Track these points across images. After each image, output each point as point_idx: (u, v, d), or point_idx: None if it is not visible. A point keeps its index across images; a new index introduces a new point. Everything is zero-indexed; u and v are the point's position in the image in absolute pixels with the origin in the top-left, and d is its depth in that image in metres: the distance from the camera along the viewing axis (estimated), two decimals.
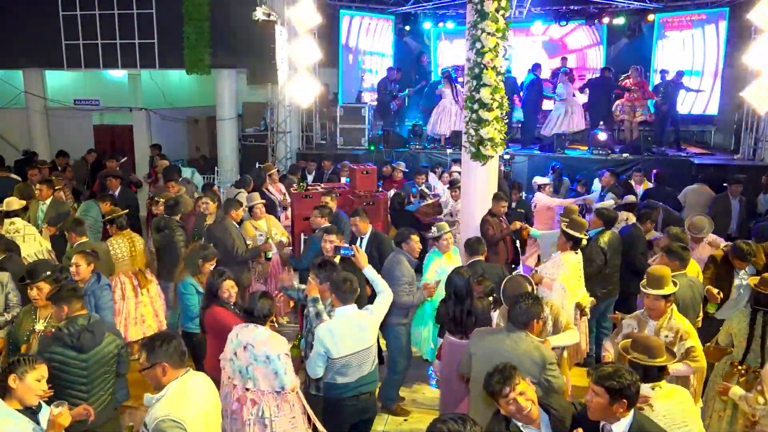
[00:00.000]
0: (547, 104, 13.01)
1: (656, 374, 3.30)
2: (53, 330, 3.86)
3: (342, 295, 4.01)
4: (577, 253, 5.59)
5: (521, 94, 12.40)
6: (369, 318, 4.10)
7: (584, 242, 5.69)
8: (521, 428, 2.96)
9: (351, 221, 6.22)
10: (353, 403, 4.06)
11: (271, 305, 3.95)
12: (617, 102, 12.24)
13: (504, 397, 2.92)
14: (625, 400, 2.81)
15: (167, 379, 3.08)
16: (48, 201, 7.30)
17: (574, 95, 12.58)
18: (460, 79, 12.45)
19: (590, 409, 2.90)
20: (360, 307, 4.16)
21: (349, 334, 3.96)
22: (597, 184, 9.59)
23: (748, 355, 4.28)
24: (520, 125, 12.82)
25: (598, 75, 13.14)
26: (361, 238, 6.07)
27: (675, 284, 4.20)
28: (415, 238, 5.45)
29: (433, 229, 5.88)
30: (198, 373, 3.30)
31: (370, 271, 4.41)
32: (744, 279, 5.32)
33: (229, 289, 4.46)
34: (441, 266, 5.70)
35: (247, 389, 3.89)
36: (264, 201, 7.31)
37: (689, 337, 4.04)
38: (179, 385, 3.09)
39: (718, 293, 5.12)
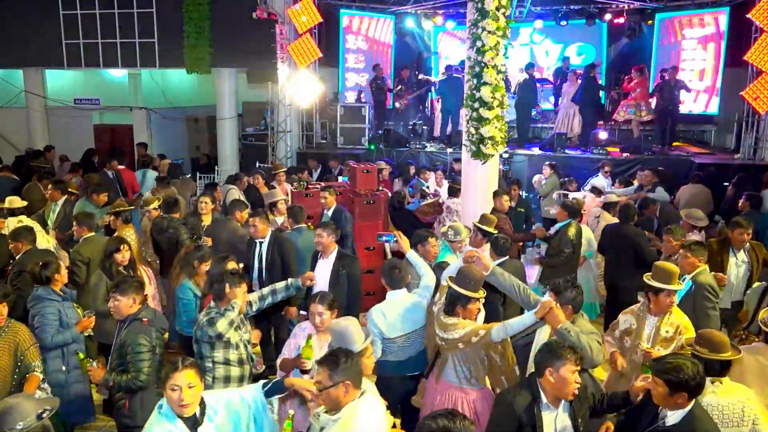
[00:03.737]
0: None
1: (718, 369, 3.31)
2: (146, 319, 3.89)
3: (391, 281, 4.24)
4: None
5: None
6: (419, 301, 4.26)
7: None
8: (542, 406, 3.08)
9: (321, 195, 6.88)
10: (400, 383, 4.23)
11: None
12: (622, 102, 12.24)
13: (576, 367, 3.04)
14: (684, 393, 2.93)
15: (347, 400, 2.88)
16: (60, 202, 7.32)
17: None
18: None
19: (654, 396, 3.05)
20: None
21: (400, 315, 4.16)
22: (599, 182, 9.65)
23: (752, 324, 4.74)
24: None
25: (585, 73, 13.04)
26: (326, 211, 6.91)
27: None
28: (433, 241, 5.22)
29: (451, 231, 5.69)
30: (372, 390, 3.15)
31: (413, 256, 4.57)
32: (743, 263, 5.61)
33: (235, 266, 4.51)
34: (453, 263, 5.64)
35: None
36: (281, 198, 7.29)
37: (687, 332, 4.05)
38: (356, 407, 2.87)
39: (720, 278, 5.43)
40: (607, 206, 7.68)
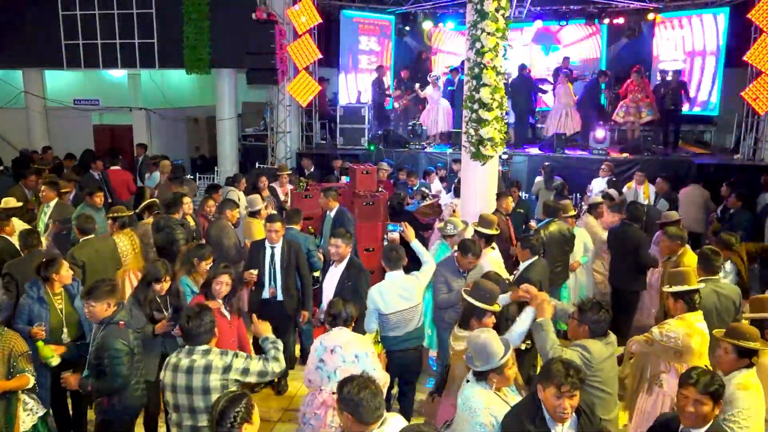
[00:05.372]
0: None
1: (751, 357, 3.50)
2: (123, 322, 3.90)
3: (389, 262, 4.67)
4: (493, 248, 5.76)
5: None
6: (414, 281, 4.72)
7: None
8: (547, 421, 2.95)
9: (320, 200, 7.00)
10: (399, 356, 4.63)
11: (353, 311, 4.06)
12: (621, 103, 12.23)
13: (560, 393, 2.88)
14: (720, 401, 3.05)
15: (357, 430, 2.71)
16: (52, 204, 7.14)
17: (573, 96, 12.59)
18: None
19: (694, 416, 3.00)
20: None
21: (397, 293, 4.60)
22: (597, 184, 9.64)
23: None
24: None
25: (593, 77, 13.06)
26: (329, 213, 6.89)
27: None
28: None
29: (449, 226, 5.80)
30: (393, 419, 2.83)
31: (417, 245, 4.99)
32: (730, 272, 5.59)
33: (222, 282, 4.46)
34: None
35: (334, 393, 3.75)
36: (262, 206, 7.23)
37: (661, 328, 4.10)
38: None
39: None
40: (591, 208, 7.55)
